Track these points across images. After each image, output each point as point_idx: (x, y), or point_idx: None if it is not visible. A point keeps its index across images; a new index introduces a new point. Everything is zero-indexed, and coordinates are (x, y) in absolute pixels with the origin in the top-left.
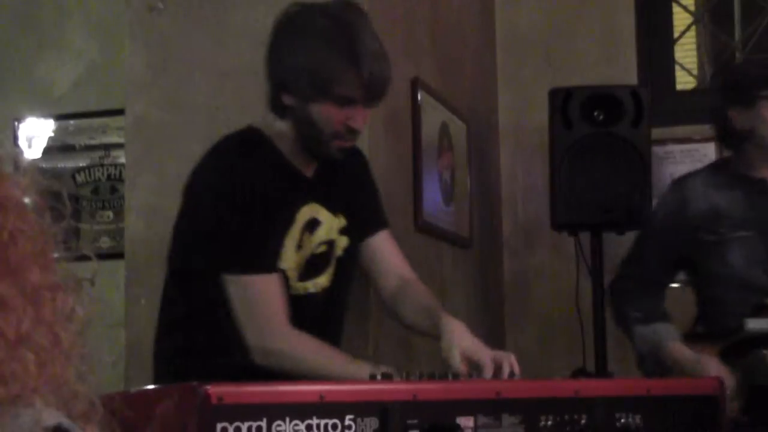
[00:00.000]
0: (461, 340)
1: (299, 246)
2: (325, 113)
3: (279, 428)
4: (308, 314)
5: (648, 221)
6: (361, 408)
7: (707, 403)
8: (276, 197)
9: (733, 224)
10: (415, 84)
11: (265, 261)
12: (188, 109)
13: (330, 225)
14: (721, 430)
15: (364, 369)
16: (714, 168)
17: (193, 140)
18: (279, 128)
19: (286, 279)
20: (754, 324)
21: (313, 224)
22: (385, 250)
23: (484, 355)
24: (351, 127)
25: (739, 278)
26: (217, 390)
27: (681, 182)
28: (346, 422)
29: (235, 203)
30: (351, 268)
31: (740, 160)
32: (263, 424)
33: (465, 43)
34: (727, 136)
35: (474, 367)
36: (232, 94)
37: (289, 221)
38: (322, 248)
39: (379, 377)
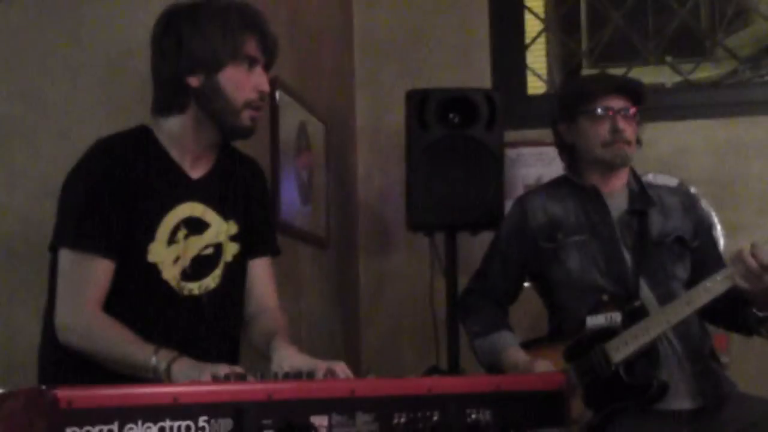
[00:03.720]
0: (291, 359)
1: (171, 241)
2: (235, 79)
3: (131, 431)
4: (194, 315)
5: (493, 239)
6: (215, 409)
7: (553, 398)
8: (147, 190)
9: (568, 230)
10: (274, 84)
11: (101, 243)
12: (40, 104)
13: (218, 229)
14: (566, 423)
15: (164, 358)
16: (552, 184)
17: (46, 136)
18: (169, 129)
19: (158, 273)
20: (593, 321)
21: (197, 224)
22: (258, 277)
23: (315, 364)
24: (261, 90)
25: (577, 280)
26: (65, 394)
27: (521, 199)
28: (200, 424)
29: (101, 189)
30: (241, 274)
31: (573, 171)
32: (114, 427)
33: (323, 44)
34: (560, 149)
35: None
36: (87, 89)
37: (161, 215)
38: (209, 251)
39: (221, 376)
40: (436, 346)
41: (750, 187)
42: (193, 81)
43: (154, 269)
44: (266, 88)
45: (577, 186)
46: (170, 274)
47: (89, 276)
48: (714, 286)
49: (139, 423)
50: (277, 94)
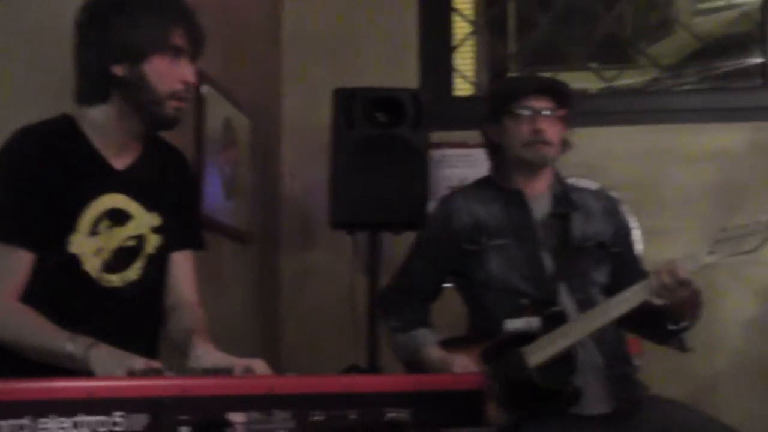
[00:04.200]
0: (209, 356)
1: (93, 232)
2: (160, 70)
3: (44, 426)
4: (114, 307)
5: (417, 238)
6: (130, 404)
7: (471, 397)
8: (69, 180)
9: (491, 234)
10: (200, 78)
11: (20, 234)
12: None
13: (141, 220)
14: (483, 422)
15: (81, 345)
16: (477, 184)
17: None
18: (93, 118)
19: (79, 264)
20: (512, 324)
21: (120, 216)
22: (179, 270)
23: (232, 362)
24: (186, 80)
25: (498, 283)
26: None
27: (446, 199)
28: (115, 419)
29: (22, 179)
30: (164, 267)
31: (498, 173)
32: (27, 421)
33: (252, 39)
34: (487, 150)
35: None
36: (10, 77)
37: (82, 206)
38: (131, 242)
39: (138, 370)
40: (356, 344)
41: (669, 193)
42: (118, 70)
43: (75, 260)
44: (192, 78)
45: (501, 188)
46: (91, 265)
47: (7, 267)
48: (631, 297)
49: (53, 417)
50: (204, 89)
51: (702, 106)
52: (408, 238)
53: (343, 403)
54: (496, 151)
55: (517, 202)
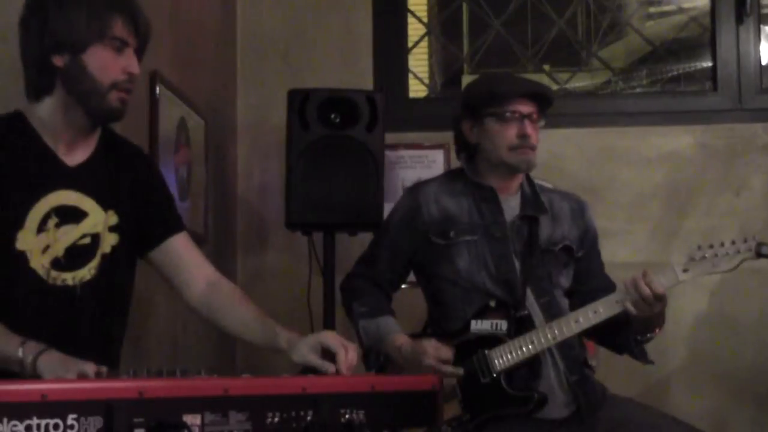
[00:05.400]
0: (324, 338)
1: (41, 229)
2: (101, 61)
3: None
4: (66, 307)
5: (383, 226)
6: (84, 407)
7: (426, 398)
8: (16, 176)
9: (461, 229)
10: (154, 77)
11: None
12: None
13: (96, 218)
14: (438, 422)
15: (31, 351)
16: (448, 176)
17: None
18: (41, 113)
19: (26, 261)
20: (477, 326)
21: (71, 213)
22: (186, 254)
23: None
24: (130, 72)
25: (465, 280)
26: None
27: (415, 189)
28: (69, 422)
29: None
30: (122, 267)
31: (472, 170)
32: None
33: (206, 39)
34: (461, 147)
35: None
36: None
37: (30, 203)
38: (85, 240)
39: (89, 375)
40: None
41: (620, 194)
42: (58, 61)
43: (21, 257)
44: (135, 70)
45: (474, 184)
46: (38, 263)
47: None
48: (604, 310)
49: (5, 421)
50: (157, 89)
51: (653, 109)
52: (363, 238)
53: (299, 404)
54: (471, 150)
55: (490, 199)
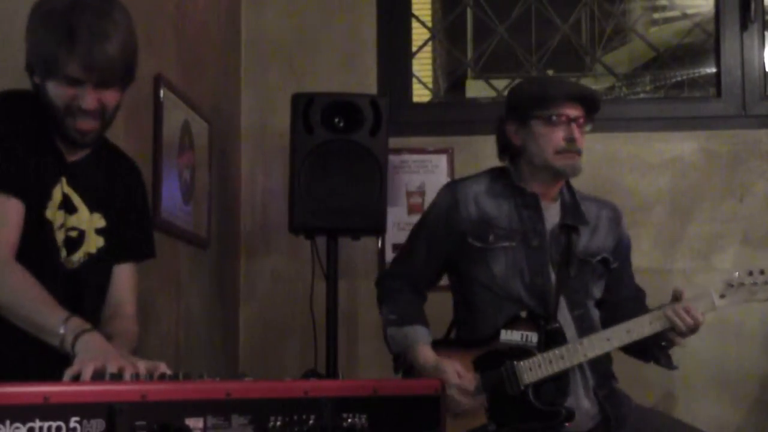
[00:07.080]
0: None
1: (60, 207)
2: (56, 90)
3: None
4: (64, 284)
5: (420, 221)
6: (87, 409)
7: (429, 403)
8: (47, 146)
9: (499, 234)
10: (158, 80)
11: (11, 182)
12: None
13: (83, 216)
14: (441, 428)
15: (73, 330)
16: (490, 176)
17: None
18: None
19: (52, 232)
20: (507, 335)
21: (69, 206)
22: (120, 281)
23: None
24: (80, 106)
25: (499, 287)
26: None
27: (454, 185)
28: (71, 424)
29: (13, 132)
30: (104, 268)
31: (515, 173)
32: None
33: (210, 43)
34: (505, 149)
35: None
36: None
37: (56, 177)
38: (74, 233)
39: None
40: (315, 349)
41: (623, 199)
42: (36, 79)
43: (49, 226)
44: (86, 105)
45: (516, 188)
46: (59, 236)
47: (3, 216)
48: (639, 330)
49: (7, 423)
50: (161, 92)
51: (656, 114)
52: (367, 243)
53: (302, 408)
54: (515, 152)
55: (532, 206)
